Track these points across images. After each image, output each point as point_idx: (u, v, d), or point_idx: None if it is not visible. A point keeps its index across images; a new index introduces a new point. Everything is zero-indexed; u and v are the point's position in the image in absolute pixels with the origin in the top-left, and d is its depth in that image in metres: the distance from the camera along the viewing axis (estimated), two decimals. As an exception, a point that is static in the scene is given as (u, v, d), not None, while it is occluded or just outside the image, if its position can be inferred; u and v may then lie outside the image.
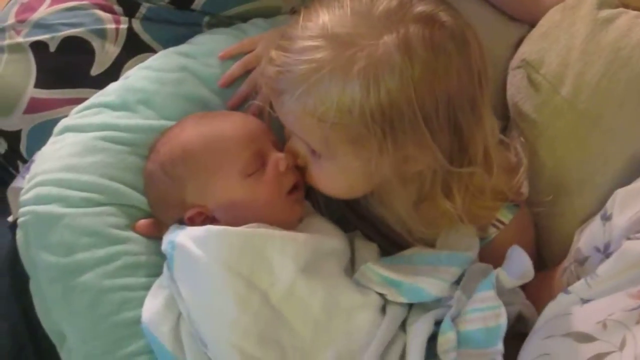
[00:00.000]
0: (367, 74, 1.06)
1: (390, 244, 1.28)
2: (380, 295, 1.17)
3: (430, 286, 1.14)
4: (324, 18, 1.09)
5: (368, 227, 1.31)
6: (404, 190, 1.18)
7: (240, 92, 1.34)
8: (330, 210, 1.35)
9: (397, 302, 1.16)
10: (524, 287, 1.16)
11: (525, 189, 1.28)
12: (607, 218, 1.13)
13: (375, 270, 1.17)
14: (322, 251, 1.18)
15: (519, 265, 1.13)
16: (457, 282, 1.17)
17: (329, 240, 1.20)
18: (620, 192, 1.14)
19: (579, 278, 1.12)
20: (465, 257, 1.18)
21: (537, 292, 1.18)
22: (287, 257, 1.14)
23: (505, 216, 1.25)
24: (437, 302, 1.15)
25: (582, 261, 1.15)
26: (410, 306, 1.18)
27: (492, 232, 1.25)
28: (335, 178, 1.17)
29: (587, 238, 1.17)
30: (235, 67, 1.34)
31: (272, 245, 1.14)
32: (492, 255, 1.20)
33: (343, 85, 1.06)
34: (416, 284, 1.15)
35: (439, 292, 1.14)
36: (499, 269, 1.13)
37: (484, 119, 1.15)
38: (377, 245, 1.26)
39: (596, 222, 1.15)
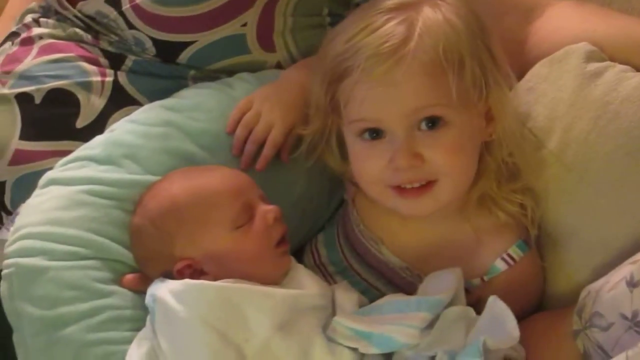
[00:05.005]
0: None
1: (397, 291, 1.35)
2: (355, 349, 1.21)
3: (399, 334, 1.20)
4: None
5: (376, 275, 1.39)
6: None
7: (238, 138, 1.40)
8: (334, 261, 1.43)
9: (372, 355, 1.21)
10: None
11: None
12: (634, 285, 1.14)
13: (344, 324, 1.22)
14: (300, 307, 1.23)
15: (504, 328, 1.18)
16: (432, 325, 1.22)
17: (308, 296, 1.26)
18: None
19: (599, 345, 1.16)
20: (434, 300, 1.23)
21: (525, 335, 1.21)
22: (263, 314, 1.19)
23: (516, 252, 1.34)
24: (415, 350, 1.20)
25: (605, 327, 1.16)
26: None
27: (501, 265, 1.34)
28: (455, 145, 1.25)
29: (609, 303, 1.17)
30: (239, 131, 1.40)
31: (249, 301, 1.19)
32: (496, 291, 1.25)
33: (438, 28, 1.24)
34: (386, 333, 1.20)
35: (409, 339, 1.20)
36: (486, 337, 1.15)
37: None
38: (357, 295, 1.31)
39: (621, 288, 1.16)
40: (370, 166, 1.28)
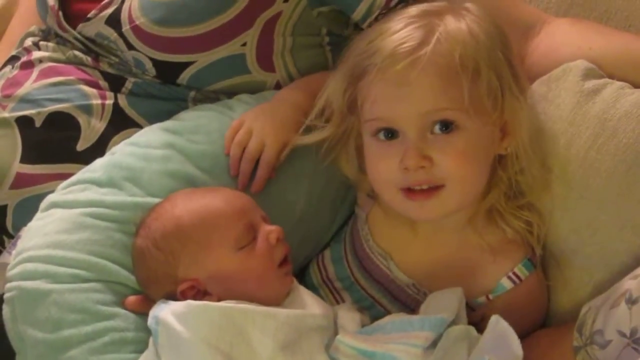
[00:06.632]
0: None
1: (402, 308, 1.38)
2: None
3: (402, 354, 1.21)
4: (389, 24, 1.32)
5: (382, 291, 1.41)
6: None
7: (234, 157, 1.41)
8: (341, 277, 1.44)
9: None
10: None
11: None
12: (633, 302, 1.14)
13: (347, 342, 1.24)
14: (303, 328, 1.24)
15: (508, 347, 1.18)
16: (434, 344, 1.22)
17: (311, 316, 1.26)
18: None
19: (598, 362, 1.17)
20: (437, 320, 1.24)
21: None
22: (266, 335, 1.19)
23: (522, 271, 1.35)
24: None
25: (603, 345, 1.17)
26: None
27: (507, 284, 1.35)
28: (465, 150, 1.27)
29: (608, 321, 1.17)
30: (233, 151, 1.41)
31: (253, 322, 1.20)
32: (500, 309, 1.28)
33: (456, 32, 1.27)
34: (389, 352, 1.22)
35: (412, 358, 1.20)
36: (490, 356, 1.17)
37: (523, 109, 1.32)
38: (359, 315, 1.32)
39: (620, 306, 1.16)
40: (383, 166, 1.30)
